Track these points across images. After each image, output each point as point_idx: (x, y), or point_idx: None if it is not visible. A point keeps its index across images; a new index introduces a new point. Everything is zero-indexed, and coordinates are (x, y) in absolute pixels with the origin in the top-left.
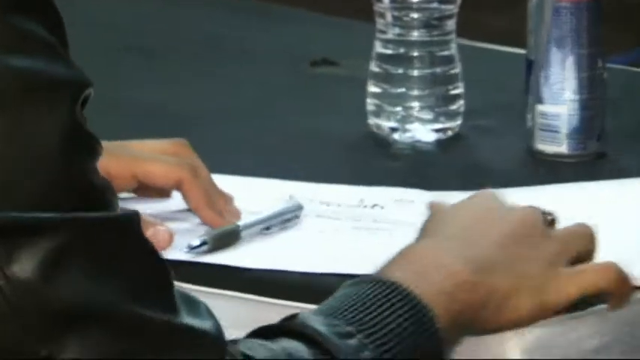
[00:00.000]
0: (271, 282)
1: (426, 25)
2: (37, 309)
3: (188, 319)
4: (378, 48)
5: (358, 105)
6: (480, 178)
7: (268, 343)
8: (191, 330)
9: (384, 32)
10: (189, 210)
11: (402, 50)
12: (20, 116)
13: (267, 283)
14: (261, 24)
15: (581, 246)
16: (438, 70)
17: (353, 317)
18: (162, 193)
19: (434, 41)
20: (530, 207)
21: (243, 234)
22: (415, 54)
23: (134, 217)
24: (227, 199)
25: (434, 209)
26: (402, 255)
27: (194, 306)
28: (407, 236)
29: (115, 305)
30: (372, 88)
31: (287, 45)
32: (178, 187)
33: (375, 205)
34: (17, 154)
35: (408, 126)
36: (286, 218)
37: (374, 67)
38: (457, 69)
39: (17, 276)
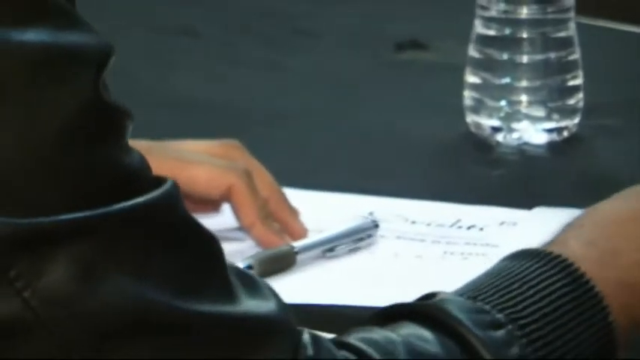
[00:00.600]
0: (327, 317)
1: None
2: (74, 323)
3: (249, 304)
4: (479, 28)
5: (453, 99)
6: (602, 189)
7: (390, 334)
8: (254, 318)
9: (486, 8)
10: (241, 228)
11: (508, 31)
12: (35, 101)
13: (321, 317)
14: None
15: None
16: (553, 55)
17: (503, 301)
18: (209, 205)
19: (548, 20)
20: None
21: (300, 257)
22: (524, 36)
23: (173, 192)
24: (292, 213)
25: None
26: (573, 227)
27: (252, 284)
28: None
29: (163, 306)
30: (471, 79)
31: (366, 26)
32: (227, 196)
33: (471, 227)
34: (34, 145)
35: (514, 125)
36: (355, 239)
37: (473, 52)
38: (576, 54)
39: (49, 289)
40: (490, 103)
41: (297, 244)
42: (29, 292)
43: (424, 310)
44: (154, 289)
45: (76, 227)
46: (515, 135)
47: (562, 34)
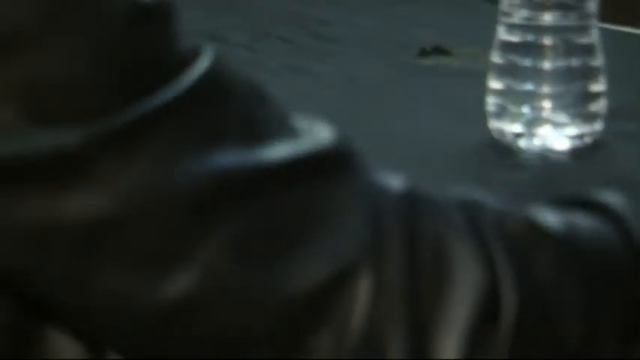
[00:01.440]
0: None
1: (562, 6)
2: (164, 207)
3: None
4: (502, 35)
5: (476, 105)
6: (623, 193)
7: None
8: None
9: (509, 15)
10: None
11: (530, 38)
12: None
13: None
14: (356, 3)
15: None
16: (575, 62)
17: None
18: None
19: (571, 26)
20: None
21: None
22: (547, 42)
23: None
24: None
25: None
26: None
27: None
28: None
29: (243, 170)
30: (494, 84)
31: (389, 30)
32: None
33: None
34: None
35: (537, 130)
36: None
37: (496, 58)
38: (599, 60)
39: (134, 187)
40: (513, 109)
41: None
42: (115, 189)
43: (587, 200)
44: (231, 155)
45: (146, 121)
46: (537, 141)
47: (584, 40)
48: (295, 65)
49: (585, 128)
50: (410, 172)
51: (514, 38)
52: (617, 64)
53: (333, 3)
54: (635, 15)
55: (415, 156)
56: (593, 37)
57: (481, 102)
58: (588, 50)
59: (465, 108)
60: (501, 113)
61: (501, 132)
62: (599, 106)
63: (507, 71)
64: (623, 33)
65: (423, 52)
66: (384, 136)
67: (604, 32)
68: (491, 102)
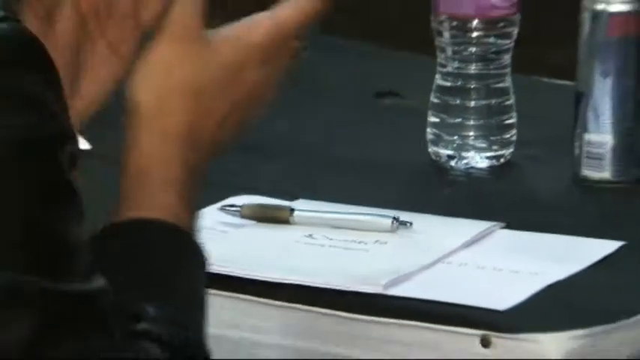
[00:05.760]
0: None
1: (484, 59)
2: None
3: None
4: (438, 80)
5: (420, 134)
6: (528, 204)
7: None
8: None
9: (444, 66)
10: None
11: (460, 82)
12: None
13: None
14: (329, 57)
15: None
16: (493, 101)
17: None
18: None
19: (490, 74)
20: None
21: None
22: (472, 86)
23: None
24: None
25: None
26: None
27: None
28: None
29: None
30: (432, 118)
31: (353, 77)
32: None
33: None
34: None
35: (464, 154)
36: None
37: (434, 99)
38: (511, 100)
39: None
40: (446, 137)
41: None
42: None
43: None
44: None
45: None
46: (464, 161)
47: (501, 84)
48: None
49: (500, 152)
50: (371, 187)
51: (447, 83)
52: (525, 103)
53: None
54: (541, 67)
55: (374, 174)
56: (507, 82)
57: (423, 132)
58: (503, 92)
59: (411, 137)
60: (437, 141)
61: (438, 155)
62: (511, 135)
63: (442, 108)
64: (531, 80)
65: (380, 95)
66: (350, 159)
67: (516, 79)
68: (430, 132)
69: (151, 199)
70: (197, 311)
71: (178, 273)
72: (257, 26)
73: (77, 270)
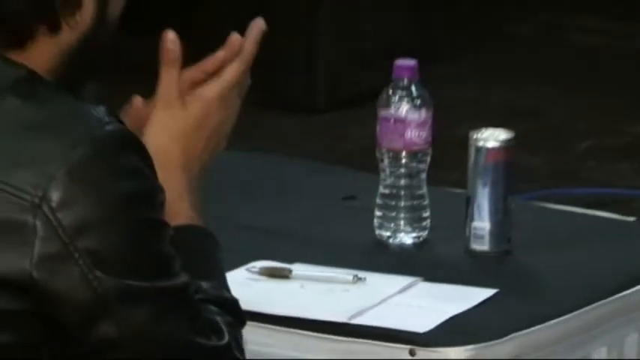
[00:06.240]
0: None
1: (409, 176)
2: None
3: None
4: (381, 189)
5: (370, 222)
6: (438, 264)
7: None
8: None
9: (384, 180)
10: None
11: (394, 191)
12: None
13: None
14: (308, 173)
15: None
16: (415, 202)
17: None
18: None
19: (413, 185)
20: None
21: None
22: (402, 193)
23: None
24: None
25: None
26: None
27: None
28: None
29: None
30: (377, 213)
31: (328, 188)
32: None
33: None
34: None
35: (397, 234)
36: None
37: (378, 200)
38: (426, 202)
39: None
40: (386, 224)
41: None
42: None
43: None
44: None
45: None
46: (397, 239)
47: (420, 192)
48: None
49: (420, 233)
50: (340, 256)
51: (387, 191)
52: (435, 203)
53: (280, 171)
54: (444, 181)
55: (341, 247)
56: (424, 190)
57: (371, 221)
58: (422, 197)
59: (364, 224)
60: (380, 226)
61: (381, 235)
62: (427, 223)
63: (384, 207)
64: (439, 190)
65: (345, 198)
66: (326, 238)
67: (430, 189)
68: (376, 221)
69: (172, 207)
70: (226, 282)
71: (213, 257)
72: (210, 87)
73: (175, 270)
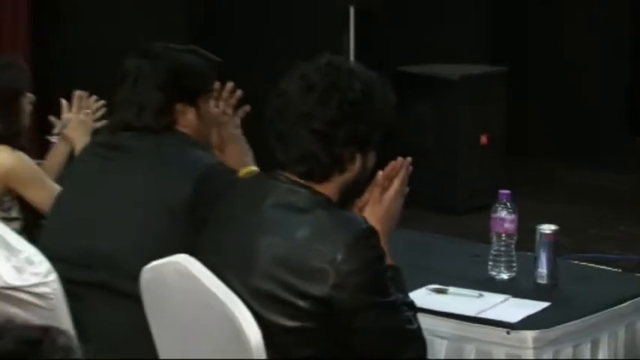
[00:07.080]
0: None
1: (506, 245)
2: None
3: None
4: (492, 251)
5: (487, 267)
6: (518, 290)
7: None
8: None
9: (493, 246)
10: None
11: (498, 253)
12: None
13: None
14: (454, 242)
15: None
16: (509, 258)
17: None
18: None
19: (508, 250)
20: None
21: None
22: (503, 253)
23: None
24: None
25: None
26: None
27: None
28: None
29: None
30: (490, 263)
31: (464, 251)
32: None
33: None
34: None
35: (500, 274)
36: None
37: (490, 257)
38: (514, 258)
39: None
40: (494, 268)
41: None
42: None
43: None
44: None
45: None
46: (500, 276)
47: (511, 253)
48: None
49: (511, 274)
50: (467, 285)
51: (495, 252)
52: (520, 261)
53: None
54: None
55: (468, 282)
56: (513, 252)
57: (487, 266)
58: (512, 256)
59: (484, 268)
60: (492, 269)
61: (492, 274)
62: (515, 268)
63: (493, 260)
64: (524, 254)
65: (472, 256)
66: (461, 277)
67: (518, 254)
68: (489, 267)
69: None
70: (407, 292)
71: (401, 279)
72: (389, 193)
73: (392, 290)
